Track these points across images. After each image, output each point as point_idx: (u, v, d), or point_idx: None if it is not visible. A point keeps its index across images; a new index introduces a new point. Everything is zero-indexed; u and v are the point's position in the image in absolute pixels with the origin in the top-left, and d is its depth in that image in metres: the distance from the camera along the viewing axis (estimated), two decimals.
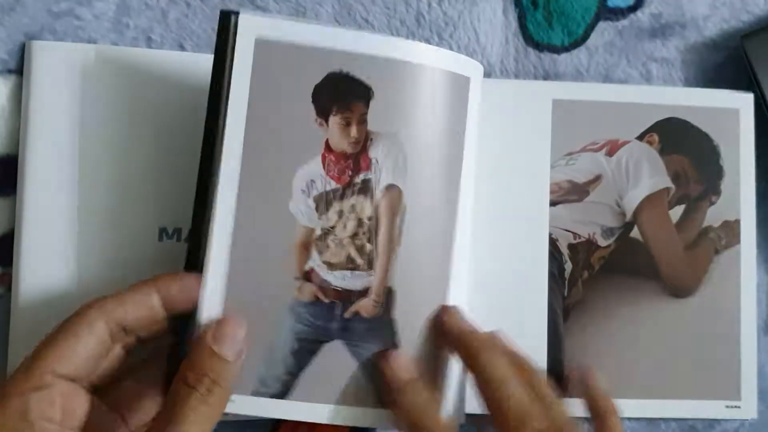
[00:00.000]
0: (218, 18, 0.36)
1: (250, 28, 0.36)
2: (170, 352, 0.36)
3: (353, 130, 0.38)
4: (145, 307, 0.34)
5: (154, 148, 0.42)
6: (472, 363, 0.36)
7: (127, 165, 0.42)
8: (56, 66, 0.41)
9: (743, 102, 0.46)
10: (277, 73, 0.36)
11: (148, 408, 0.36)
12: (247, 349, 0.35)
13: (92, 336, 0.33)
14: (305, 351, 0.38)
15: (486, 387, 0.36)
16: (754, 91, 0.45)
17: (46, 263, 0.40)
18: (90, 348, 0.33)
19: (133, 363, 0.37)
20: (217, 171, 0.36)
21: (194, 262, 0.36)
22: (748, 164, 0.46)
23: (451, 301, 0.39)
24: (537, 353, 0.43)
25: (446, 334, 0.38)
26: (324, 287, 0.38)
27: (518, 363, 0.37)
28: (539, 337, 0.44)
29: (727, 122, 0.45)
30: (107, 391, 0.36)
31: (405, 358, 0.38)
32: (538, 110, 0.45)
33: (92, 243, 0.41)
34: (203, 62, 0.42)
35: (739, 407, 0.45)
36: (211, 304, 0.36)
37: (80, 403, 0.34)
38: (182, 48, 0.44)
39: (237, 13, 0.36)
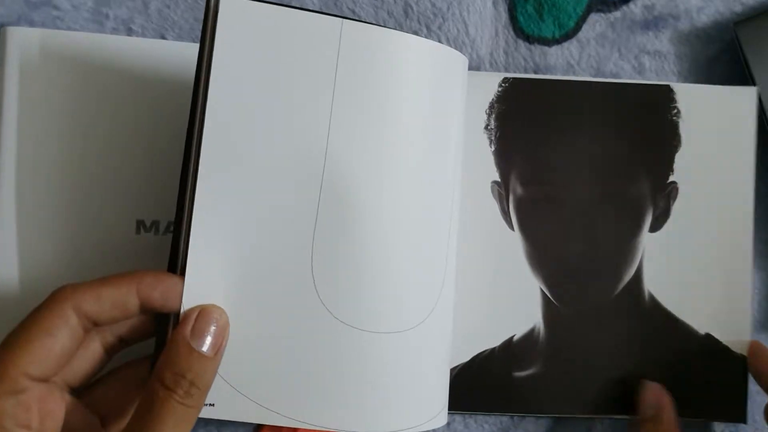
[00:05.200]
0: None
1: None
2: (154, 354, 0.34)
3: None
4: (122, 307, 0.33)
5: (132, 138, 0.41)
6: None
7: (105, 156, 0.40)
8: (32, 53, 0.40)
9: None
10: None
11: (129, 411, 0.35)
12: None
13: (66, 333, 0.32)
14: None
15: None
16: (746, 80, 0.44)
17: (23, 255, 0.39)
18: (64, 345, 0.32)
19: (115, 366, 0.36)
20: (196, 162, 0.34)
21: (175, 259, 0.34)
22: (748, 160, 0.44)
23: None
24: None
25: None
26: None
27: None
28: None
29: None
30: (88, 394, 0.35)
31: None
32: None
33: (70, 236, 0.40)
34: (183, 51, 0.42)
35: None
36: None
37: (57, 406, 0.32)
38: (164, 39, 0.43)
39: None
